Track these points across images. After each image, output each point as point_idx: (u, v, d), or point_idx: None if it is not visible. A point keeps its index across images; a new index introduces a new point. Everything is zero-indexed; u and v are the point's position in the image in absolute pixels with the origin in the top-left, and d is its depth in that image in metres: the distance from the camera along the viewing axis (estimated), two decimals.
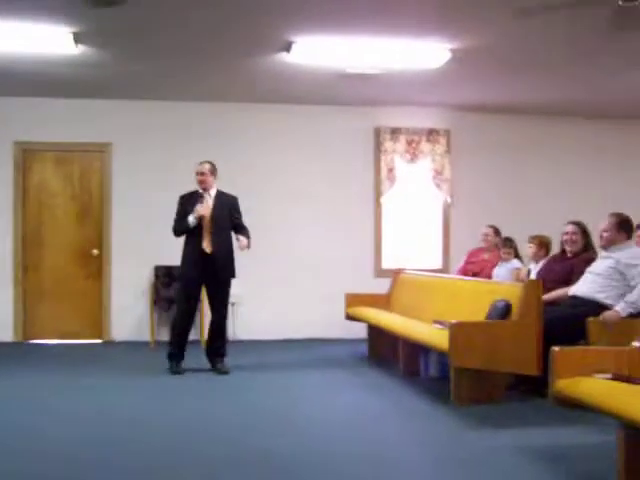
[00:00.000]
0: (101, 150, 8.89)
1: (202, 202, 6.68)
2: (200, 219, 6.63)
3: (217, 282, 6.76)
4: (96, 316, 8.91)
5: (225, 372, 6.68)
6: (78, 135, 8.79)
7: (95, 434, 4.69)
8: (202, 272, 6.68)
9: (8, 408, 5.41)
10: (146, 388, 6.15)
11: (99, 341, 8.80)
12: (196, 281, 6.79)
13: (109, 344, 8.70)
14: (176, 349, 6.77)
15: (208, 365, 6.87)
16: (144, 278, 8.78)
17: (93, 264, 8.94)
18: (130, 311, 8.82)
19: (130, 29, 6.21)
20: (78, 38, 6.35)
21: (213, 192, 6.81)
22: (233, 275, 6.88)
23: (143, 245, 8.69)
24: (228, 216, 6.77)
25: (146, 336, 8.52)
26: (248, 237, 6.77)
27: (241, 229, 6.83)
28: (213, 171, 6.81)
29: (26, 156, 8.82)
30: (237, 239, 6.78)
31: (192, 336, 8.57)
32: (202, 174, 6.76)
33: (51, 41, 6.39)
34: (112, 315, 8.86)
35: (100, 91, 8.44)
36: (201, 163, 6.84)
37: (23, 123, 8.72)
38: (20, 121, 8.72)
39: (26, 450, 4.32)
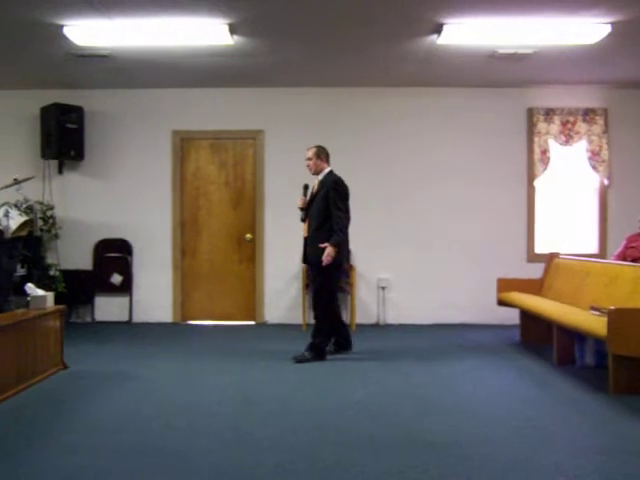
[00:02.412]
0: (254, 137, 9.15)
1: (306, 193, 6.75)
2: (302, 208, 6.74)
3: (311, 266, 6.76)
4: (250, 299, 9.21)
5: (295, 358, 6.54)
6: (232, 123, 9.11)
7: (246, 412, 4.88)
8: (305, 255, 6.78)
9: (169, 386, 5.72)
10: (296, 370, 6.29)
11: (252, 323, 9.09)
12: (305, 264, 6.91)
13: (262, 326, 8.96)
14: None
15: (360, 347, 6.99)
16: (296, 262, 8.91)
17: (247, 248, 9.23)
18: (283, 294, 9.05)
19: (283, 18, 6.35)
20: (233, 29, 6.56)
21: (322, 175, 6.73)
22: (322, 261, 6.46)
23: (294, 230, 8.84)
24: (325, 199, 6.57)
25: (298, 319, 8.71)
26: (333, 242, 6.41)
27: (334, 223, 6.48)
28: (319, 154, 6.70)
29: (184, 144, 9.21)
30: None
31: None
32: (307, 159, 6.77)
33: (208, 33, 6.64)
34: (265, 298, 9.13)
35: (252, 80, 8.68)
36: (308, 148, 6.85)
37: (181, 113, 9.13)
38: (178, 111, 9.14)
39: (187, 427, 4.55)
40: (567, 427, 4.55)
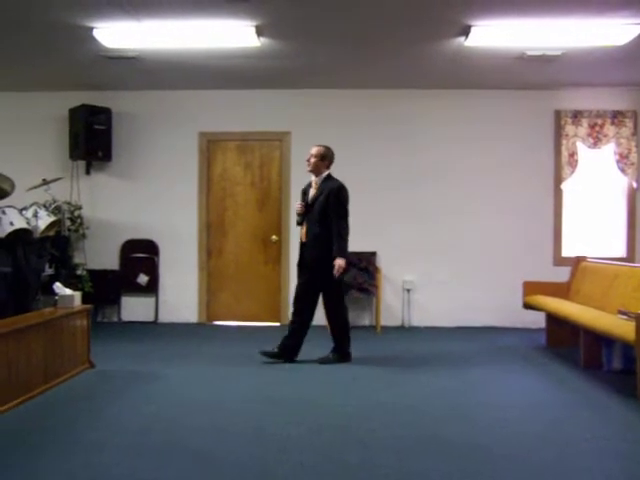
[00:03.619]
0: (280, 139, 9.17)
1: (304, 198, 6.57)
2: (300, 213, 6.55)
3: (310, 271, 6.50)
4: (275, 300, 9.22)
5: (320, 360, 6.55)
6: (258, 125, 9.12)
7: (270, 412, 4.88)
8: (301, 260, 6.59)
9: (194, 386, 5.75)
10: (321, 371, 6.28)
11: (277, 324, 9.09)
12: (299, 268, 6.61)
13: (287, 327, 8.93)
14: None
15: (385, 349, 6.95)
16: None
17: (272, 250, 9.25)
18: None
19: (310, 20, 6.36)
20: (260, 31, 6.58)
21: (320, 178, 6.51)
22: (324, 266, 6.35)
23: None
24: (325, 204, 6.38)
25: (323, 320, 8.64)
26: (339, 253, 6.28)
27: (336, 232, 6.33)
28: (323, 157, 6.46)
29: (210, 145, 9.25)
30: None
31: (366, 322, 8.77)
32: (310, 155, 6.52)
33: (235, 35, 6.68)
34: (290, 299, 9.08)
35: (279, 82, 8.70)
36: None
37: (208, 114, 9.18)
38: (205, 112, 9.18)
39: (211, 427, 4.57)
40: (593, 431, 4.50)
